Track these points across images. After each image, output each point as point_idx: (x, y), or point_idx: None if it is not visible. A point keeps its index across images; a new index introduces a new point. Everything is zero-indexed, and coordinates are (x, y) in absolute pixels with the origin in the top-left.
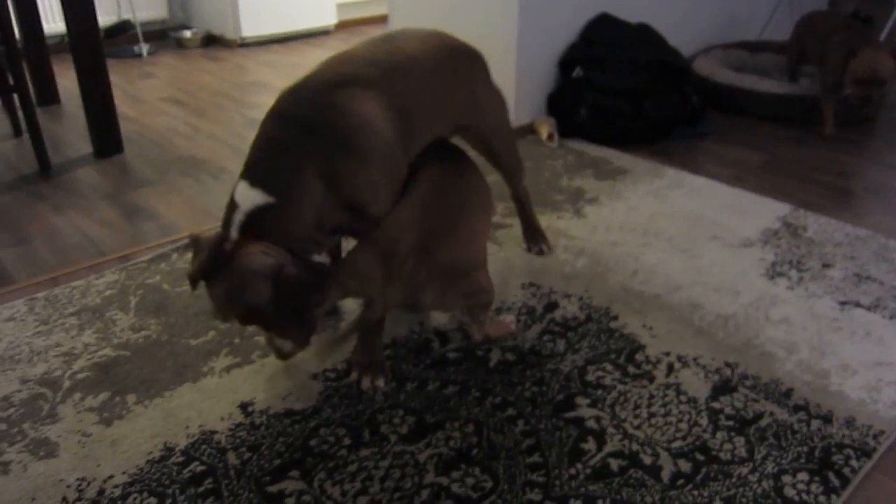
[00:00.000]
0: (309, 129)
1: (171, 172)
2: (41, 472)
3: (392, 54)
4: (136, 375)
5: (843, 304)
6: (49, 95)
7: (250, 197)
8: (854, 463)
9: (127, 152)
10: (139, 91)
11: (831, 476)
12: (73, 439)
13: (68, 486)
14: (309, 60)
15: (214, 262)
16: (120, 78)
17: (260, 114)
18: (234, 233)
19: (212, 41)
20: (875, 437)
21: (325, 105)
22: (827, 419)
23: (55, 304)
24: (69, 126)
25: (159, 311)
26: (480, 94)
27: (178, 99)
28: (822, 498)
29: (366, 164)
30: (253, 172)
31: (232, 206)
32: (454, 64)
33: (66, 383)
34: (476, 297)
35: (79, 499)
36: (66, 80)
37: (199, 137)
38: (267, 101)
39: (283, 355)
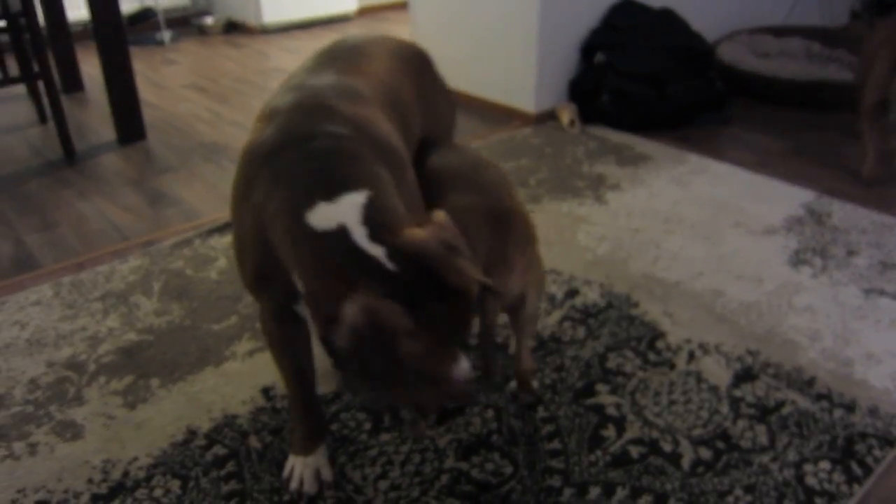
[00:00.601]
0: (349, 138)
1: (193, 158)
2: (67, 454)
3: (360, 67)
4: (160, 360)
5: (867, 291)
6: (73, 82)
7: (348, 204)
8: (877, 452)
9: (150, 139)
10: (162, 78)
11: (854, 465)
12: (98, 422)
13: (94, 468)
14: None
15: (404, 293)
16: (143, 65)
17: None
18: (372, 250)
19: (233, 27)
20: None
21: (344, 119)
22: (850, 408)
23: (80, 289)
24: (93, 113)
25: (182, 296)
26: (434, 96)
27: (200, 85)
28: (844, 487)
29: (405, 168)
30: (324, 189)
31: (331, 238)
32: (411, 68)
33: (92, 367)
34: (537, 272)
35: (104, 480)
36: (90, 67)
37: (222, 124)
38: None
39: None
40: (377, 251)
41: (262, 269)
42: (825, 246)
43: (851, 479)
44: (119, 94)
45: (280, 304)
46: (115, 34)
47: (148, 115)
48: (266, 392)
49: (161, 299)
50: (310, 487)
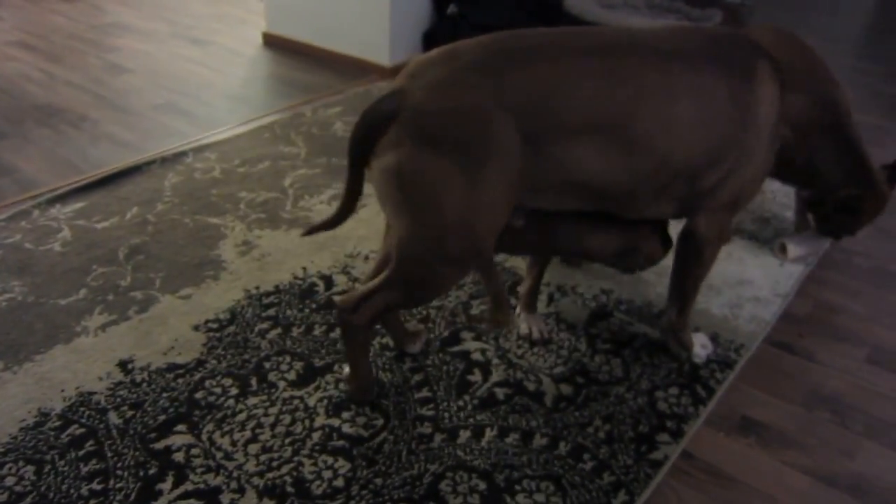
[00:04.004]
0: None
1: (26, 123)
2: None
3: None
4: (2, 341)
5: None
6: None
7: None
8: (718, 375)
9: None
10: None
11: (699, 388)
12: None
13: None
14: (171, 0)
15: None
16: None
17: (122, 58)
18: None
19: None
20: (736, 350)
21: None
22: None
23: None
24: None
25: (23, 272)
26: None
27: (28, 43)
28: (690, 409)
29: None
30: None
31: None
32: None
33: None
34: None
35: None
36: None
37: (56, 84)
38: (129, 44)
39: None
40: None
41: None
42: None
43: (697, 402)
44: None
45: None
46: None
47: None
48: (124, 365)
49: None
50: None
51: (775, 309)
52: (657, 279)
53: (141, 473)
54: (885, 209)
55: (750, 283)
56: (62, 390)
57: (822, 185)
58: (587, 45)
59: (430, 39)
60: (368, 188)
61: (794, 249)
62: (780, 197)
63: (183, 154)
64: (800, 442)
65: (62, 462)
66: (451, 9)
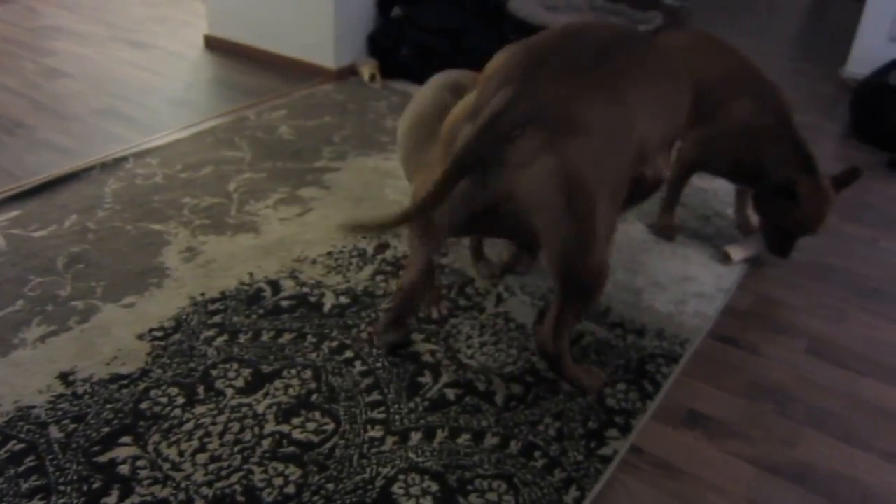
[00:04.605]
0: None
1: None
2: None
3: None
4: None
5: (651, 226)
6: None
7: None
8: (664, 370)
9: None
10: None
11: (646, 383)
12: None
13: None
14: (110, 2)
15: None
16: None
17: (59, 62)
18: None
19: None
20: (681, 344)
21: None
22: (640, 333)
23: None
24: None
25: None
26: None
27: None
28: (638, 403)
29: None
30: None
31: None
32: None
33: None
34: None
35: None
36: None
37: None
38: (66, 48)
39: None
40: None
41: None
42: None
43: (644, 396)
44: None
45: None
46: None
47: None
48: (65, 377)
49: None
50: None
51: (718, 304)
52: None
53: (85, 488)
54: (827, 209)
55: (694, 279)
56: None
57: (768, 183)
58: (614, 30)
59: (374, 42)
60: (310, 192)
61: (737, 253)
62: (721, 195)
63: (123, 160)
64: (744, 433)
65: (0, 479)
66: (396, 11)
